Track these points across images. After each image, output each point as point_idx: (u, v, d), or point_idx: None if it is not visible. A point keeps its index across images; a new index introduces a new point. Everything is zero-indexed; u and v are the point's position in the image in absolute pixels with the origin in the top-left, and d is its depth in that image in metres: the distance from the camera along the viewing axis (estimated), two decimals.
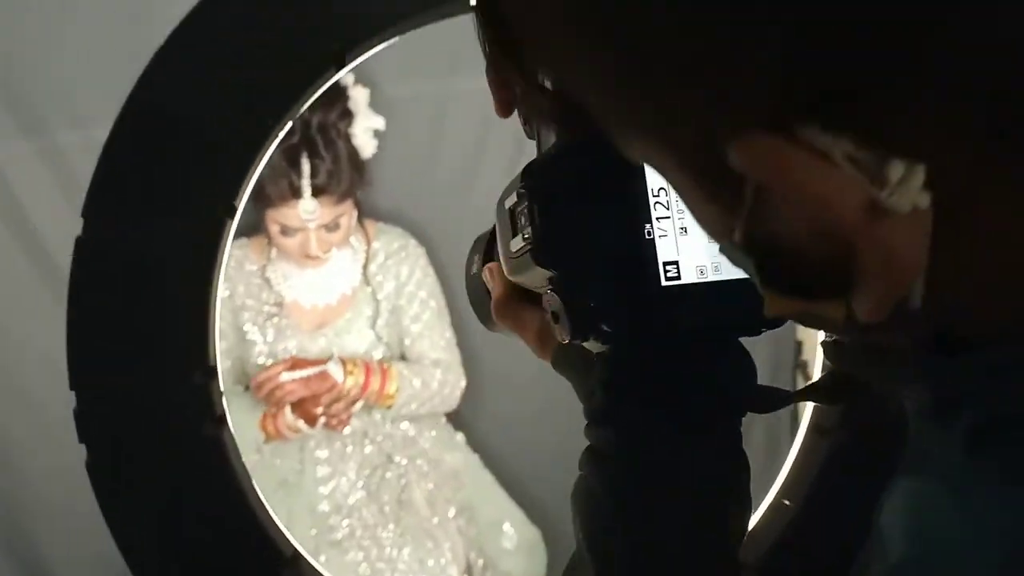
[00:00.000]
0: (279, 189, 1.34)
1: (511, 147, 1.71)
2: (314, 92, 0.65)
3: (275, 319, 1.49)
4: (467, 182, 1.73)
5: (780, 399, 0.43)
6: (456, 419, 1.63)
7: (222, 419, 0.68)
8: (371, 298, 1.53)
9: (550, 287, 0.40)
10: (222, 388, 0.71)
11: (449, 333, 1.57)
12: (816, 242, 0.22)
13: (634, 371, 0.40)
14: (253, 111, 0.65)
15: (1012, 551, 0.22)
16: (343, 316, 1.52)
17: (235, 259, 1.50)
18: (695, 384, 0.41)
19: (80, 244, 0.65)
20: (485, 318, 0.53)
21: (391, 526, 1.45)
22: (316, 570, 0.72)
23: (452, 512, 1.50)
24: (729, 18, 0.21)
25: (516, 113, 0.38)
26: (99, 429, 0.64)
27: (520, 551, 1.53)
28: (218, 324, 0.99)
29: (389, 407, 1.48)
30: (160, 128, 0.64)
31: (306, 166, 1.33)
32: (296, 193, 1.34)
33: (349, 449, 1.51)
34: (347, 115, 1.39)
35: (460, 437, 1.61)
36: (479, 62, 0.35)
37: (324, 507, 1.48)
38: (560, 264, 0.39)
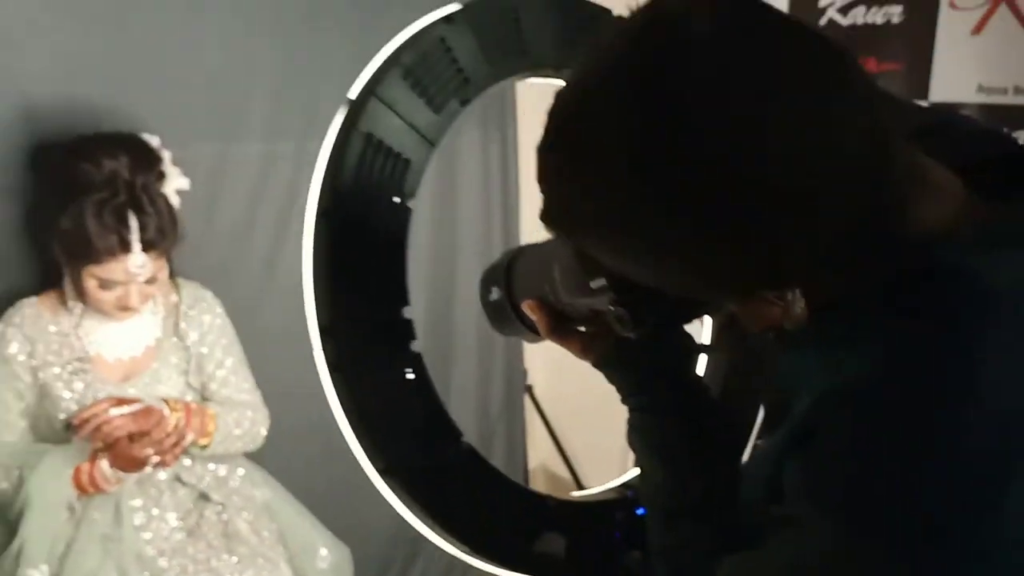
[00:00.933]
0: (108, 244, 1.39)
1: (281, 203, 1.91)
2: None
3: (82, 374, 1.50)
4: (243, 236, 1.88)
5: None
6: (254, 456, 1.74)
7: None
8: (177, 348, 1.61)
9: (613, 306, 0.65)
10: None
11: (250, 376, 1.70)
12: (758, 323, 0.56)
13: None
14: None
15: None
16: (150, 367, 1.58)
17: (28, 317, 1.49)
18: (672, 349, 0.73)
19: None
20: (511, 333, 0.79)
21: (225, 556, 1.54)
22: None
23: (274, 539, 1.63)
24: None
25: None
26: None
27: (333, 569, 1.69)
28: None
29: (205, 446, 1.57)
30: None
31: (134, 222, 1.40)
32: (125, 248, 1.40)
33: (165, 497, 1.56)
34: (162, 176, 1.48)
35: (261, 474, 1.73)
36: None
37: (150, 551, 1.51)
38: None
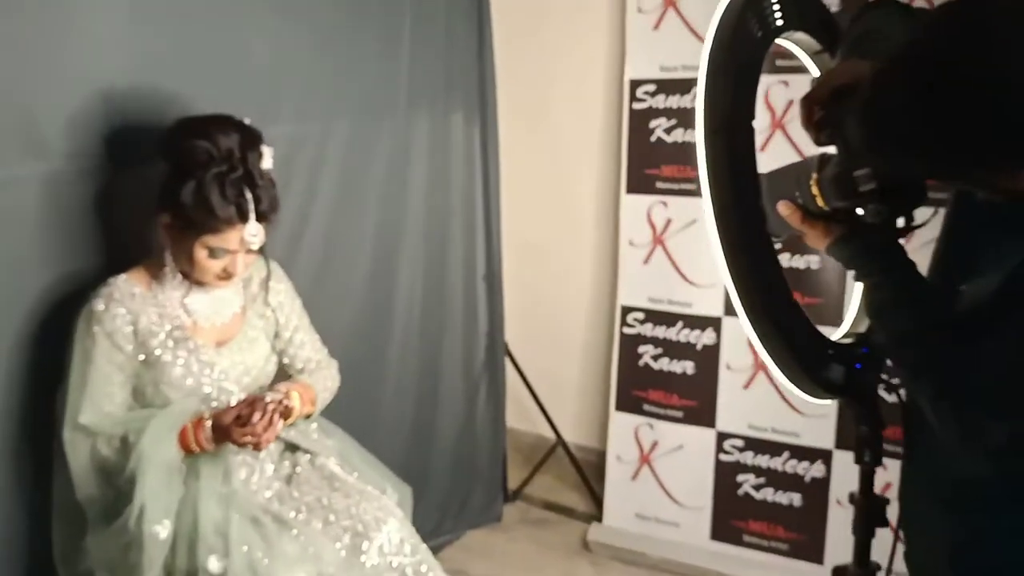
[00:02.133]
0: (228, 214, 1.52)
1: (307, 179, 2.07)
2: None
3: (183, 341, 1.61)
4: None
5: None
6: None
7: None
8: (259, 314, 1.74)
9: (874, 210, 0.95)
10: None
11: (317, 336, 1.86)
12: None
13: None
14: None
15: None
16: (239, 332, 1.71)
17: (125, 292, 1.58)
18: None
19: None
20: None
21: (331, 493, 1.70)
22: None
23: (363, 477, 1.80)
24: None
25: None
26: None
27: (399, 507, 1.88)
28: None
29: (309, 415, 1.75)
30: None
31: (249, 194, 1.54)
32: (244, 218, 1.54)
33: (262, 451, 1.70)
34: (261, 154, 1.61)
35: (327, 424, 1.89)
36: None
37: (261, 498, 1.65)
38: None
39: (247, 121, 1.60)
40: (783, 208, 1.05)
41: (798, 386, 1.07)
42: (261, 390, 1.74)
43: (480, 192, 2.67)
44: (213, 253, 1.56)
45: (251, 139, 1.56)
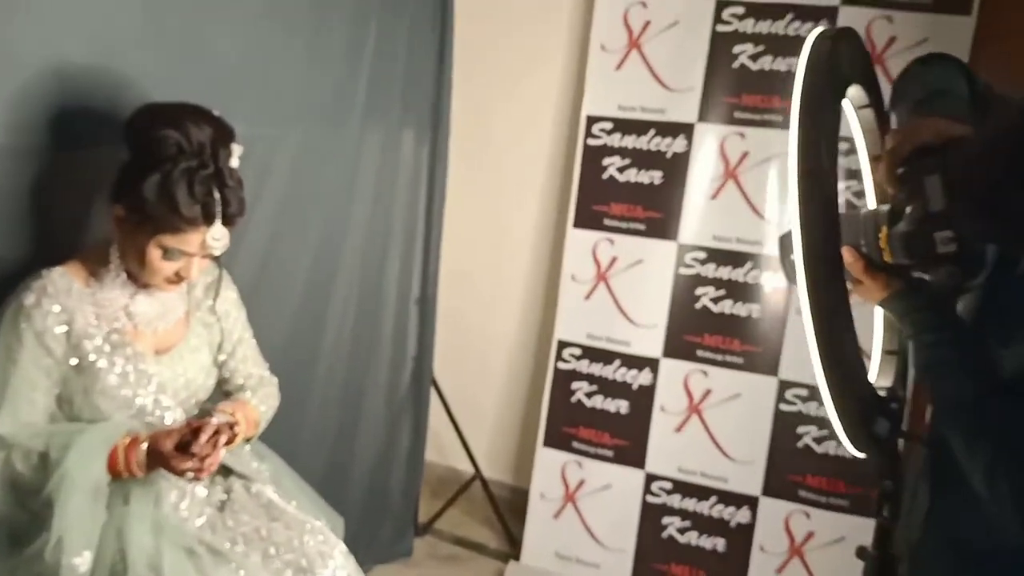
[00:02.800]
0: (192, 215, 1.37)
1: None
2: None
3: (121, 348, 1.45)
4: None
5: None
6: None
7: None
8: (202, 322, 1.60)
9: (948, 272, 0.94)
10: None
11: (259, 353, 1.72)
12: None
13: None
14: None
15: None
16: (183, 340, 1.55)
17: (61, 287, 1.41)
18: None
19: None
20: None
21: (270, 523, 1.55)
22: None
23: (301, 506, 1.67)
24: None
25: None
26: None
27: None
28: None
29: (249, 438, 1.61)
30: None
31: (218, 194, 1.40)
32: (209, 220, 1.40)
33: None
34: (230, 153, 1.48)
35: (260, 446, 1.75)
36: None
37: (193, 527, 1.49)
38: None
39: (217, 114, 1.47)
40: (847, 255, 1.04)
41: (852, 436, 1.05)
42: (198, 406, 1.59)
43: (423, 213, 2.59)
44: (168, 254, 1.41)
45: (224, 134, 1.43)
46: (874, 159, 1.18)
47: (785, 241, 1.10)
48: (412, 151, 2.49)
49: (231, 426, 1.45)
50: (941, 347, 1.00)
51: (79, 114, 1.49)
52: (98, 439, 1.38)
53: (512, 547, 2.77)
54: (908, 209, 0.99)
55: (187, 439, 1.39)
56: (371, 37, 2.21)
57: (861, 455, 1.07)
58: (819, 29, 1.06)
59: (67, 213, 1.55)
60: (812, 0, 2.31)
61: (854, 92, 1.15)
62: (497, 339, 2.94)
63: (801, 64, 1.02)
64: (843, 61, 1.05)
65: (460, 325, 2.89)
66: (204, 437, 1.39)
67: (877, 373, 1.21)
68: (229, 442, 1.45)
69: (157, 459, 1.39)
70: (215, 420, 1.46)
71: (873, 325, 1.25)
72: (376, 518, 2.65)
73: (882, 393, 1.16)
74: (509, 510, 2.87)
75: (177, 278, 1.45)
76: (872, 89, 1.18)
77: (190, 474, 1.39)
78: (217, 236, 1.41)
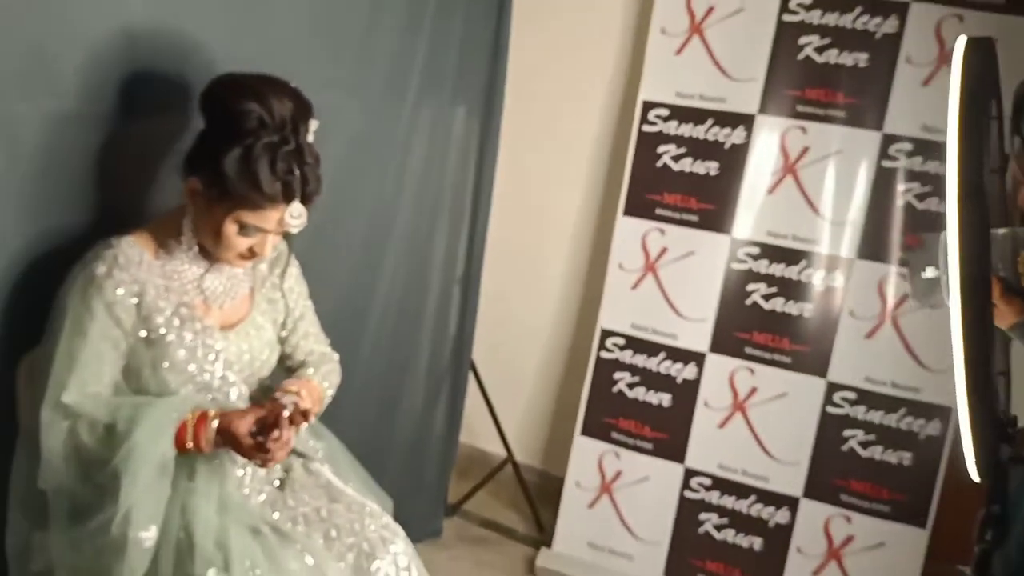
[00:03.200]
0: (274, 191, 1.34)
1: None
2: None
3: (190, 322, 1.42)
4: None
5: None
6: None
7: None
8: (266, 298, 1.57)
9: None
10: None
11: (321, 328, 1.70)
12: None
13: None
14: None
15: None
16: (248, 316, 1.52)
17: (131, 258, 1.37)
18: None
19: None
20: (934, 304, 1.01)
21: (331, 504, 1.54)
22: None
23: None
24: None
25: None
26: None
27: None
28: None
29: (316, 414, 1.58)
30: None
31: (298, 171, 1.36)
32: (289, 197, 1.36)
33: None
34: (309, 129, 1.43)
35: (318, 426, 1.72)
36: None
37: (255, 504, 1.48)
38: None
39: (295, 87, 1.43)
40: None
41: (980, 461, 1.02)
42: (261, 383, 1.56)
43: (471, 192, 2.55)
44: (244, 230, 1.37)
45: (304, 109, 1.38)
46: (1016, 183, 1.14)
47: (916, 258, 1.06)
48: (463, 128, 2.45)
49: (304, 413, 1.42)
50: None
51: (145, 80, 1.45)
52: (167, 413, 1.36)
53: (539, 532, 2.75)
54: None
55: (266, 423, 1.37)
56: (431, 9, 2.16)
57: (978, 479, 1.04)
58: (964, 37, 1.02)
59: (134, 181, 1.52)
60: None
61: None
62: (538, 324, 2.91)
63: (956, 73, 0.97)
64: (990, 71, 1.01)
65: (501, 308, 2.86)
66: (280, 432, 1.36)
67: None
68: (299, 423, 1.42)
69: (229, 439, 1.37)
70: (288, 407, 1.43)
71: None
72: (410, 497, 2.62)
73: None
74: (538, 496, 2.86)
75: (250, 254, 1.42)
76: (999, 100, 1.14)
77: (259, 460, 1.37)
78: (296, 214, 1.37)
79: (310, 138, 1.41)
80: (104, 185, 1.46)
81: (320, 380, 1.63)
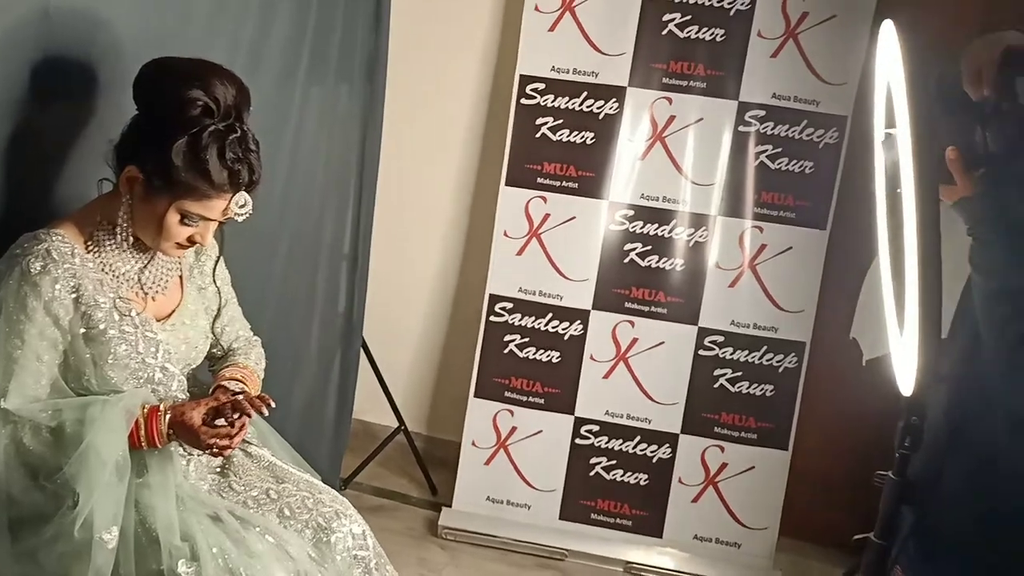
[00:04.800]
0: (221, 180, 1.33)
1: None
2: None
3: (128, 316, 1.39)
4: None
5: None
6: None
7: None
8: (194, 287, 1.56)
9: None
10: None
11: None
12: None
13: None
14: None
15: None
16: (181, 305, 1.51)
17: (59, 251, 1.33)
18: None
19: None
20: None
21: (280, 485, 1.56)
22: None
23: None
24: None
25: None
26: None
27: None
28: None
29: None
30: None
31: (244, 160, 1.34)
32: (236, 187, 1.35)
33: None
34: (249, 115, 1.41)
35: None
36: None
37: (205, 491, 1.48)
38: None
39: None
40: (950, 153, 1.15)
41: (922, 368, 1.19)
42: (193, 373, 1.56)
43: (356, 169, 2.56)
44: (187, 219, 1.36)
45: (245, 95, 1.38)
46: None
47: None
48: (347, 106, 2.46)
49: (260, 398, 1.43)
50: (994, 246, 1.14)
51: (47, 63, 1.38)
52: (117, 411, 1.34)
53: (434, 495, 2.86)
54: (1003, 106, 1.12)
55: (219, 412, 1.37)
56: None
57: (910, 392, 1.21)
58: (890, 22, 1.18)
59: (37, 172, 1.44)
60: None
61: None
62: (426, 296, 2.98)
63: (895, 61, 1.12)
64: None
65: (391, 282, 2.90)
66: (236, 416, 1.37)
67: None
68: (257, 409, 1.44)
69: (183, 431, 1.36)
70: (235, 387, 1.44)
71: None
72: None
73: None
74: (429, 462, 2.96)
75: (189, 243, 1.41)
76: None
77: (216, 449, 1.37)
78: (242, 203, 1.38)
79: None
80: (18, 174, 1.39)
81: (254, 364, 1.64)
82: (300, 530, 1.52)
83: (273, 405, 1.40)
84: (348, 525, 1.56)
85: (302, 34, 2.13)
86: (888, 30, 1.16)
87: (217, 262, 1.56)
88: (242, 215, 1.39)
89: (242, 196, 1.37)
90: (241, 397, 1.42)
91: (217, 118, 1.31)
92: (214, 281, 1.57)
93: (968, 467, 1.27)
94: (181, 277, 1.53)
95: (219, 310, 1.59)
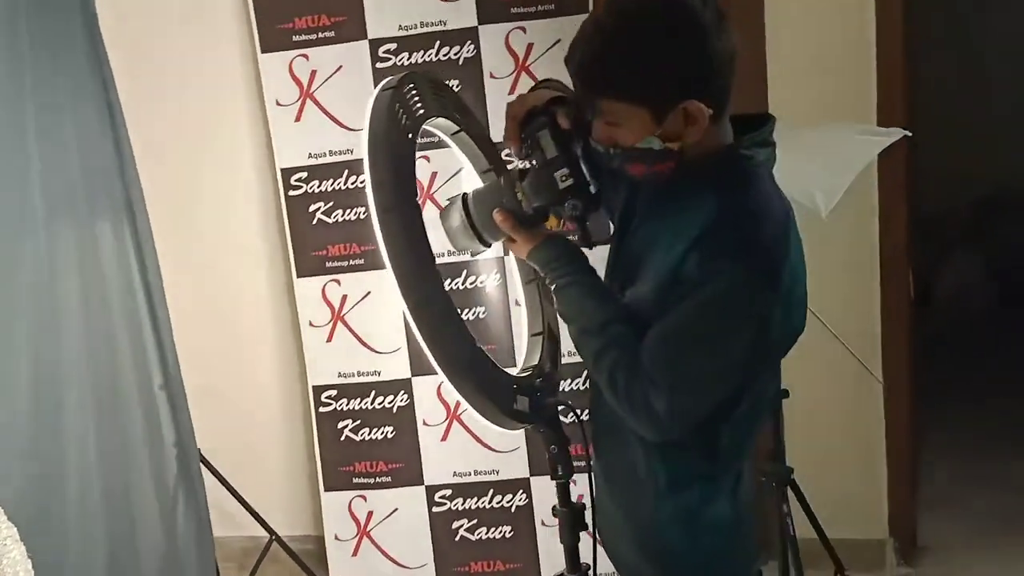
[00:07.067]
0: None
1: None
2: None
3: None
4: None
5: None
6: None
7: None
8: None
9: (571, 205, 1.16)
10: None
11: None
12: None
13: None
14: None
15: None
16: None
17: None
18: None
19: None
20: (466, 246, 1.25)
21: None
22: None
23: None
24: None
25: None
26: None
27: None
28: None
29: None
30: None
31: None
32: None
33: None
34: None
35: None
36: None
37: None
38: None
39: None
40: (498, 216, 1.22)
41: (494, 421, 1.21)
42: None
43: (143, 303, 2.54)
44: None
45: None
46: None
47: (446, 212, 1.27)
48: (112, 242, 2.44)
49: None
50: (576, 287, 1.21)
51: None
52: None
53: None
54: (533, 162, 1.20)
55: None
56: (30, 114, 2.13)
57: (511, 431, 1.24)
58: (383, 83, 1.22)
59: None
60: None
61: (441, 123, 1.33)
62: (253, 400, 2.95)
63: (367, 116, 1.17)
64: (410, 105, 1.22)
65: (215, 397, 2.87)
66: None
67: (525, 354, 1.40)
68: None
69: None
70: None
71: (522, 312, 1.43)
72: None
73: (527, 372, 1.35)
74: (317, 562, 2.90)
75: None
76: (463, 113, 1.37)
77: None
78: None
79: None
80: None
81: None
82: None
83: None
84: None
85: (24, 180, 2.11)
86: None
87: None
88: None
89: None
90: None
91: None
92: None
93: None
94: None
95: None
